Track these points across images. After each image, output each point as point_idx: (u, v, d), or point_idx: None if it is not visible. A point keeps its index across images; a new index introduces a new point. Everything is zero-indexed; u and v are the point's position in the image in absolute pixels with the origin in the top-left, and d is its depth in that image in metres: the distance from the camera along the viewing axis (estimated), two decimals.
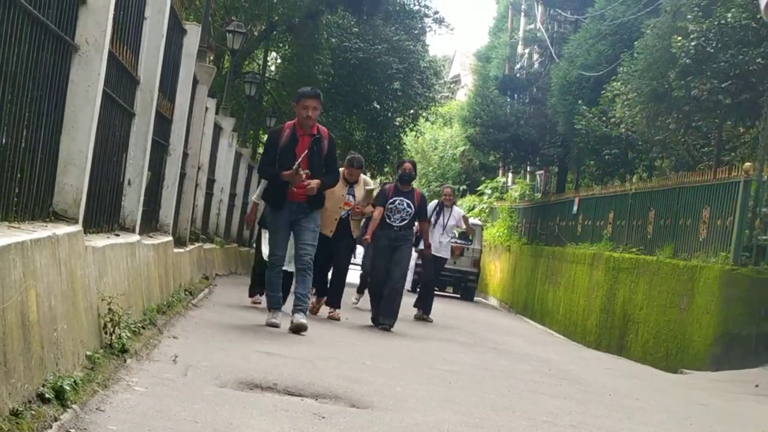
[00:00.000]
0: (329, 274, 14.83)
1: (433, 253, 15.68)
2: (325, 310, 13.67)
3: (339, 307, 13.53)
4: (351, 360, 8.87)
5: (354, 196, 13.27)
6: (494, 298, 36.30)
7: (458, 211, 17.49)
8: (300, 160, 10.23)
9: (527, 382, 9.60)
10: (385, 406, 6.57)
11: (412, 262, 20.52)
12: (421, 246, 15.04)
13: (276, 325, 10.51)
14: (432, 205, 17.01)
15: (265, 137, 37.25)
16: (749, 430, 8.64)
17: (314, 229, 10.77)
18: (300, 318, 10.27)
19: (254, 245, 16.99)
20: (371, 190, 13.65)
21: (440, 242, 16.64)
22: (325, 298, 13.69)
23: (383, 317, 12.93)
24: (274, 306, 10.81)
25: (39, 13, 5.40)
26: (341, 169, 13.08)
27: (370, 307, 13.87)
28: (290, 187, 10.46)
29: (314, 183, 10.37)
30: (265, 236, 12.31)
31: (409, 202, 13.39)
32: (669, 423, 8.34)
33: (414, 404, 6.92)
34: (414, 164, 14.36)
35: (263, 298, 12.60)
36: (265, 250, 12.17)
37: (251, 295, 13.90)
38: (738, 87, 21.97)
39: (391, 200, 13.31)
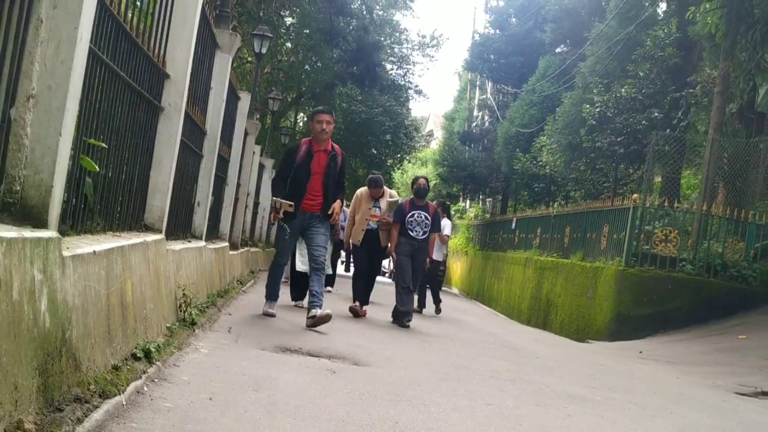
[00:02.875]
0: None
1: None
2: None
3: (367, 304, 11.17)
4: (354, 332, 8.85)
5: (380, 208, 11.30)
6: (456, 288, 36.25)
7: (447, 222, 16.64)
8: (289, 207, 8.53)
9: (479, 348, 9.58)
10: (378, 365, 6.57)
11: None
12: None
13: (272, 315, 8.88)
14: None
15: None
16: (634, 382, 8.63)
17: (325, 233, 8.98)
18: (316, 311, 8.41)
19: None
20: (395, 201, 11.25)
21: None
22: (366, 307, 11.14)
23: (402, 316, 10.71)
24: (272, 297, 9.10)
25: (136, 84, 5.42)
26: (363, 189, 11.63)
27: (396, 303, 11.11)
28: (303, 199, 8.76)
29: (337, 206, 8.90)
30: (300, 250, 10.52)
31: (426, 215, 11.22)
32: (579, 377, 8.35)
33: (399, 363, 6.92)
34: (427, 180, 11.97)
35: (304, 301, 10.24)
36: (299, 263, 10.76)
37: (293, 299, 10.85)
38: (629, 141, 22.09)
39: (410, 214, 11.14)
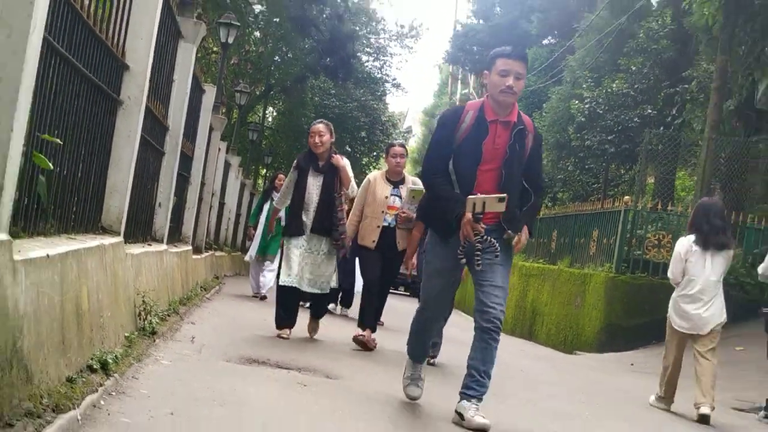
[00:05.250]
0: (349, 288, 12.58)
1: None
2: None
3: (374, 330, 8.80)
4: (326, 342, 8.83)
5: (400, 197, 8.72)
6: None
7: None
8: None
9: (459, 362, 9.59)
10: (352, 378, 6.59)
11: None
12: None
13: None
14: None
15: (263, 171, 37.52)
16: (625, 397, 8.69)
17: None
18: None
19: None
20: (420, 190, 7.88)
21: None
22: (375, 333, 8.87)
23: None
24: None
25: (94, 76, 5.41)
26: (375, 173, 9.35)
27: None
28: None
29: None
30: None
31: None
32: (567, 393, 8.41)
33: (374, 377, 6.94)
34: None
35: (289, 331, 8.44)
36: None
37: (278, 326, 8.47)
38: (620, 139, 22.27)
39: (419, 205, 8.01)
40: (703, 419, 7.42)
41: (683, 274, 7.92)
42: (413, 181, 8.77)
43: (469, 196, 5.04)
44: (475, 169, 5.17)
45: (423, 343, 5.92)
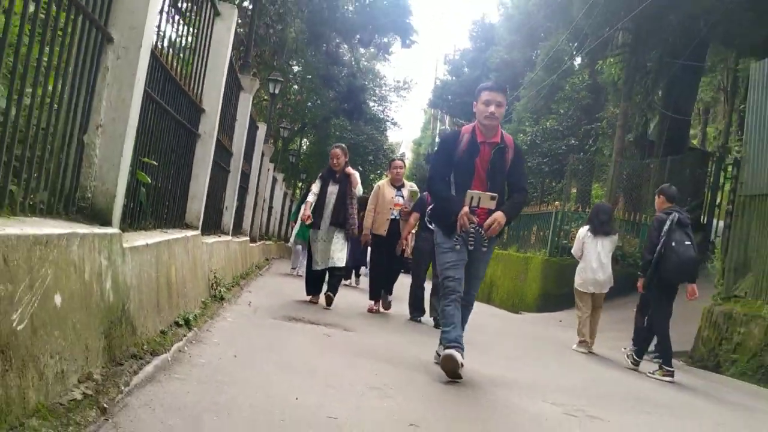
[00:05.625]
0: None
1: None
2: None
3: (390, 293, 8.81)
4: (345, 310, 8.81)
5: (403, 197, 8.71)
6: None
7: None
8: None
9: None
10: (362, 331, 6.58)
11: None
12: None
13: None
14: None
15: (299, 184, 37.53)
16: (556, 342, 8.70)
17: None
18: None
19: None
20: (416, 191, 8.67)
21: None
22: (390, 297, 8.85)
23: (415, 311, 8.48)
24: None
25: (179, 117, 5.42)
26: (382, 181, 9.09)
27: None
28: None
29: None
30: (319, 250, 8.16)
31: None
32: (512, 337, 8.41)
33: (379, 331, 6.94)
34: None
35: (316, 297, 8.22)
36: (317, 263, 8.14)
37: (308, 293, 8.33)
38: (552, 162, 22.26)
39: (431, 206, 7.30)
40: (590, 351, 8.03)
41: (581, 252, 8.35)
42: (410, 185, 8.90)
43: (468, 191, 4.85)
44: (469, 179, 4.94)
45: (453, 319, 4.90)
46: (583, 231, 8.45)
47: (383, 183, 9.00)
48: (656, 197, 7.42)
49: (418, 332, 7.26)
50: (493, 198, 4.85)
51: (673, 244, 6.80)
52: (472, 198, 4.84)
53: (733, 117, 21.19)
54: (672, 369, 6.78)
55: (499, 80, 34.62)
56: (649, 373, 6.86)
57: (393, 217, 8.63)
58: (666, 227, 6.87)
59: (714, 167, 17.02)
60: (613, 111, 20.62)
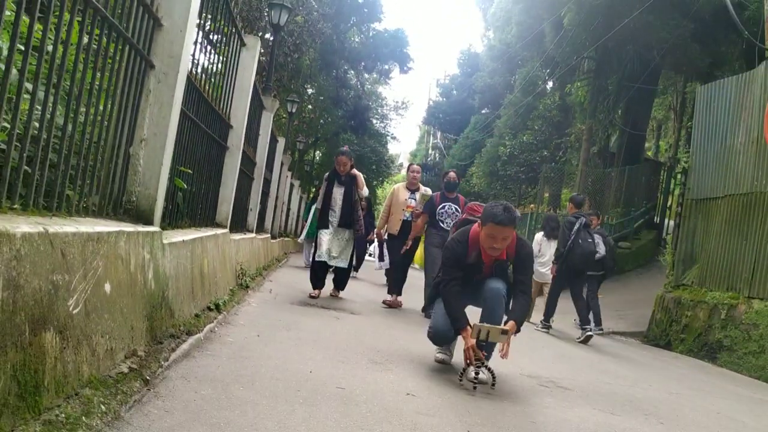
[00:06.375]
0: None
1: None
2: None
3: (399, 295, 7.85)
4: (354, 299, 8.78)
5: (416, 200, 7.82)
6: (417, 265, 36.13)
7: None
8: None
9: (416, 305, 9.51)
10: (367, 315, 6.57)
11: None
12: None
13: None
14: None
15: (312, 189, 37.57)
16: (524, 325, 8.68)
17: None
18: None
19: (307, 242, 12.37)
20: (428, 195, 7.59)
21: None
22: (400, 298, 7.87)
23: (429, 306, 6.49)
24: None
25: (211, 132, 5.41)
26: (399, 184, 8.26)
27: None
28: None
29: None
30: (326, 241, 7.35)
31: (456, 206, 7.36)
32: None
33: (377, 314, 6.92)
34: (457, 173, 7.71)
35: (318, 291, 7.33)
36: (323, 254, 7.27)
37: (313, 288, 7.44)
38: (528, 170, 22.20)
39: (440, 206, 7.39)
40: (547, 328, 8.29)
41: (539, 251, 8.92)
42: (425, 190, 7.95)
43: (476, 323, 3.77)
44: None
45: (454, 313, 3.93)
46: (539, 235, 9.14)
47: (400, 186, 8.21)
48: (568, 204, 8.33)
49: (417, 318, 7.25)
50: (504, 332, 3.70)
51: (580, 241, 7.70)
52: (479, 331, 3.73)
53: (681, 132, 21.17)
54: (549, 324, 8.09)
55: (480, 103, 34.59)
56: (576, 338, 7.53)
57: (405, 218, 7.89)
58: (575, 228, 7.75)
59: (666, 175, 17.01)
60: (579, 127, 20.60)
